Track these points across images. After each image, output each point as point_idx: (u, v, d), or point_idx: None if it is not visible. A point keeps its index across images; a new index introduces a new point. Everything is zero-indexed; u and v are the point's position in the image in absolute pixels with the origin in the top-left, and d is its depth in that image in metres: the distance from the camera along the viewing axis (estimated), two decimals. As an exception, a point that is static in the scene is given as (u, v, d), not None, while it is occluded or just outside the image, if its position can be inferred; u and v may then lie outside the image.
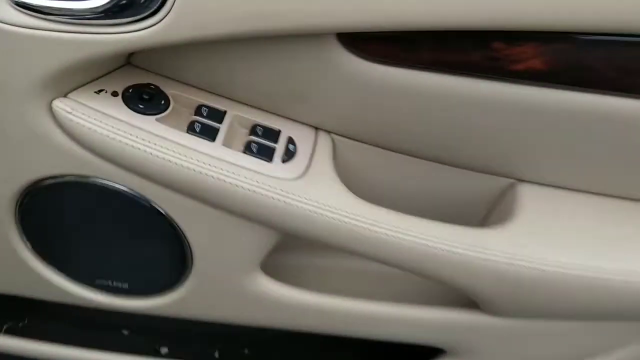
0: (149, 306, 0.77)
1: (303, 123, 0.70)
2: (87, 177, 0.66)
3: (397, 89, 0.62)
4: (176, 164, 0.61)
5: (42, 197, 0.69)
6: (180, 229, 0.68)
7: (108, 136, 0.60)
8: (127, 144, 0.60)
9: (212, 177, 0.61)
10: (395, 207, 0.67)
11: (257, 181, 0.62)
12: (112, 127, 0.60)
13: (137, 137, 0.60)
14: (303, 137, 0.69)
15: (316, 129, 0.71)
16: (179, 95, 0.67)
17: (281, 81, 0.65)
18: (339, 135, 0.71)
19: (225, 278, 0.73)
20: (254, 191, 0.62)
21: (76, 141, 0.62)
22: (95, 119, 0.60)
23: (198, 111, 0.66)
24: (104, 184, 0.66)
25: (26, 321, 0.92)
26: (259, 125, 0.68)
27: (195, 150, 0.62)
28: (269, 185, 0.62)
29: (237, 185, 0.61)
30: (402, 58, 0.59)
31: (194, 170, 0.61)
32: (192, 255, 0.71)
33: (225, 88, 0.68)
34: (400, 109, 0.64)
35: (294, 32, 0.55)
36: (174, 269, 0.73)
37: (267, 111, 0.70)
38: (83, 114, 0.60)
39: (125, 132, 0.60)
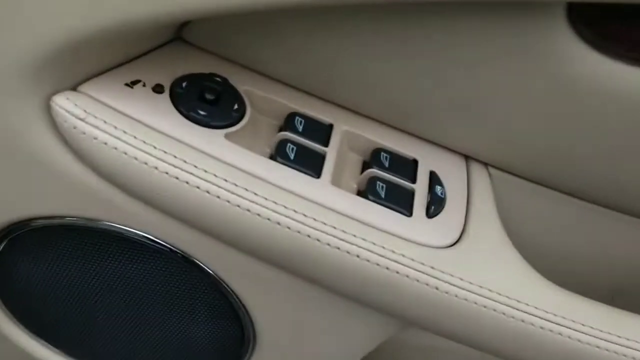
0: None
1: (445, 148, 0.44)
2: (98, 221, 0.40)
3: None
4: (261, 216, 0.35)
5: (27, 244, 0.43)
6: (244, 308, 0.43)
7: (143, 162, 0.34)
8: (175, 177, 0.35)
9: (321, 242, 0.36)
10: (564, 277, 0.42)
11: (392, 250, 0.36)
12: (152, 146, 0.35)
13: (195, 166, 0.35)
14: (451, 172, 0.43)
15: (466, 157, 0.45)
16: (256, 94, 0.41)
17: (438, 81, 0.39)
18: (502, 169, 0.45)
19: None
20: (387, 267, 0.36)
21: (87, 164, 0.36)
22: (123, 130, 0.35)
23: (289, 123, 0.40)
24: (127, 234, 0.40)
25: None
26: (385, 151, 0.42)
27: (291, 192, 0.36)
28: (411, 258, 0.36)
29: (358, 256, 0.36)
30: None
31: (290, 229, 0.35)
32: (253, 346, 0.46)
33: (326, 86, 0.42)
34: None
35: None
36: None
37: (389, 126, 0.44)
38: (103, 121, 0.34)
39: (174, 156, 0.35)
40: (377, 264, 0.36)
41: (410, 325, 0.40)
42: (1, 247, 0.44)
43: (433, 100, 0.40)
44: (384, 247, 0.36)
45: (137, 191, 0.36)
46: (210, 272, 0.41)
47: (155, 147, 0.35)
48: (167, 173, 0.35)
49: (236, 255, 0.40)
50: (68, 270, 0.45)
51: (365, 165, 0.42)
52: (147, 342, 0.48)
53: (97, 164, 0.35)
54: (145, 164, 0.34)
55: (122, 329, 0.47)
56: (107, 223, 0.40)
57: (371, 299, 0.38)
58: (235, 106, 0.39)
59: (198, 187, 0.35)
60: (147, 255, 0.42)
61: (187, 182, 0.35)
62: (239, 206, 0.35)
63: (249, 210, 0.35)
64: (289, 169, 0.37)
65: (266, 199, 0.35)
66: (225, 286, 0.42)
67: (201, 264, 0.41)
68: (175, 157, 0.35)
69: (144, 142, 0.35)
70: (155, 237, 0.40)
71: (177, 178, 0.35)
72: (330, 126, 0.42)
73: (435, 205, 0.39)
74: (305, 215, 0.36)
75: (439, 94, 0.40)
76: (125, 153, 0.34)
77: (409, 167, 0.42)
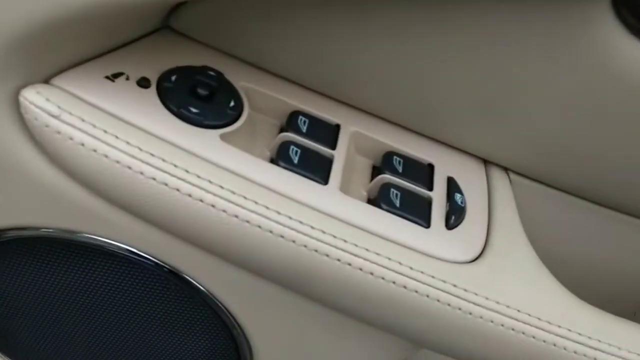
0: None
1: (462, 152, 0.40)
2: (76, 232, 0.35)
3: None
4: (262, 228, 0.31)
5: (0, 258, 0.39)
6: (238, 327, 0.39)
7: (126, 166, 0.30)
8: (163, 183, 0.30)
9: (330, 257, 0.31)
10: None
11: (409, 266, 0.32)
12: (137, 148, 0.30)
13: (187, 171, 0.30)
14: (470, 178, 0.39)
15: (485, 162, 0.41)
16: (255, 90, 0.37)
17: (460, 77, 0.35)
18: (524, 175, 0.41)
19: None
20: (405, 285, 0.32)
21: (62, 169, 0.32)
22: (103, 129, 0.30)
23: (292, 122, 0.36)
24: (108, 247, 0.36)
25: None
26: (397, 155, 0.38)
27: (296, 201, 0.32)
28: (431, 275, 0.32)
29: (372, 273, 0.32)
30: None
31: (295, 243, 0.31)
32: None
33: (333, 83, 0.38)
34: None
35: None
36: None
37: (400, 127, 0.40)
38: (80, 118, 0.30)
39: (162, 159, 0.30)
40: (393, 282, 0.32)
41: (426, 347, 0.36)
42: None
43: (452, 98, 0.36)
44: (400, 263, 0.32)
45: (119, 199, 0.31)
46: (201, 288, 0.37)
47: (140, 149, 0.30)
48: (154, 179, 0.30)
49: (231, 270, 0.35)
50: (43, 287, 0.40)
51: (376, 171, 0.38)
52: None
53: (73, 169, 0.31)
54: (129, 168, 0.30)
55: (104, 350, 0.43)
56: (86, 235, 0.36)
57: (385, 320, 0.34)
58: (232, 103, 0.34)
59: (190, 195, 0.30)
60: (131, 270, 0.38)
61: (177, 190, 0.30)
62: (236, 216, 0.30)
63: (248, 222, 0.31)
64: (293, 174, 0.33)
65: (268, 208, 0.31)
66: (218, 303, 0.37)
67: (191, 280, 0.37)
68: (163, 160, 0.30)
69: (128, 143, 0.30)
70: (140, 250, 0.36)
71: (165, 184, 0.30)
72: (337, 127, 0.37)
73: (455, 215, 0.35)
74: (312, 227, 0.31)
75: (460, 92, 0.36)
76: (106, 156, 0.30)
77: (424, 173, 0.37)
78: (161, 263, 0.36)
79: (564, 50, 0.32)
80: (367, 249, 0.32)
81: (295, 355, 0.39)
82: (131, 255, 0.36)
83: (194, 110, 0.33)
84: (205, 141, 0.32)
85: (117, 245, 0.36)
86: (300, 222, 0.31)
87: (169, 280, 0.37)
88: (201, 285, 0.37)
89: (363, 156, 0.38)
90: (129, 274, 0.38)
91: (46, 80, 0.31)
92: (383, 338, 0.37)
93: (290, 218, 0.31)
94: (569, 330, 0.33)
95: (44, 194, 0.33)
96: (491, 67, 0.34)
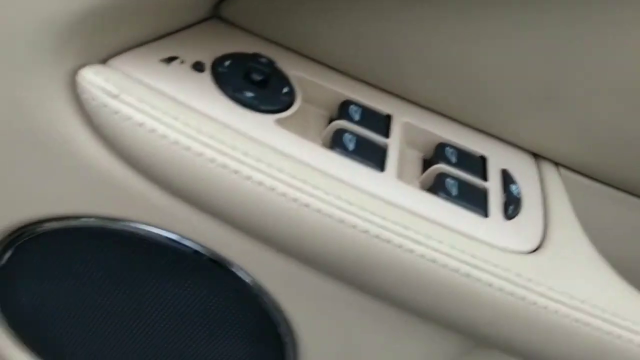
0: None
1: (513, 145, 0.40)
2: (119, 220, 0.34)
3: None
4: (322, 212, 0.30)
5: (34, 252, 0.37)
6: (285, 323, 0.37)
7: (185, 147, 0.29)
8: (222, 166, 0.29)
9: (392, 244, 0.30)
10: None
11: (472, 255, 0.31)
12: (196, 130, 0.29)
13: (246, 154, 0.30)
14: (523, 171, 0.38)
15: (535, 156, 0.40)
16: (305, 79, 0.36)
17: (517, 66, 0.34)
18: (576, 171, 0.40)
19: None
20: (468, 274, 0.31)
21: (116, 150, 0.31)
22: (162, 110, 0.29)
23: (344, 111, 0.35)
24: (151, 235, 0.35)
25: None
26: (450, 146, 0.37)
27: (355, 187, 0.31)
28: (495, 264, 0.31)
29: (434, 261, 0.31)
30: None
31: (356, 229, 0.30)
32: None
33: (383, 74, 0.37)
34: None
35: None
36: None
37: (451, 119, 0.39)
38: (138, 99, 0.29)
39: (222, 142, 0.29)
40: (456, 271, 0.31)
41: (484, 342, 0.35)
42: (5, 256, 0.38)
43: (509, 88, 0.35)
44: (463, 251, 0.31)
45: (174, 182, 0.31)
46: (248, 280, 0.36)
47: (199, 131, 0.29)
48: (213, 161, 0.29)
49: (281, 260, 0.34)
50: (79, 281, 0.39)
51: (426, 164, 0.37)
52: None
53: (129, 150, 0.30)
54: (188, 150, 0.29)
55: (141, 349, 0.41)
56: (129, 223, 0.35)
57: (445, 312, 0.32)
58: (285, 90, 0.34)
59: (249, 178, 0.29)
60: (172, 259, 0.36)
61: (236, 172, 0.29)
62: (296, 200, 0.30)
63: (307, 206, 0.30)
64: (350, 161, 0.32)
65: (327, 193, 0.30)
66: (266, 296, 0.36)
67: (238, 271, 0.36)
68: (222, 142, 0.29)
69: (187, 124, 0.29)
70: (186, 238, 0.34)
71: (224, 167, 0.29)
72: (389, 117, 0.37)
73: (513, 206, 0.34)
74: (372, 213, 0.30)
75: (517, 81, 0.35)
76: (165, 137, 0.29)
77: (478, 164, 0.37)
78: (205, 251, 0.35)
79: (630, 31, 0.31)
80: (429, 236, 0.31)
81: (344, 357, 0.38)
82: (174, 243, 0.35)
83: (249, 94, 0.32)
84: (262, 125, 0.31)
85: (160, 234, 0.35)
86: (361, 208, 0.30)
87: (213, 270, 0.36)
88: (249, 276, 0.36)
89: (413, 149, 0.38)
90: (170, 264, 0.37)
91: (103, 62, 0.30)
92: (439, 335, 0.36)
93: (350, 203, 0.30)
94: (634, 323, 0.32)
95: (93, 178, 0.32)
96: (552, 52, 0.33)
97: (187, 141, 0.29)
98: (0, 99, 0.30)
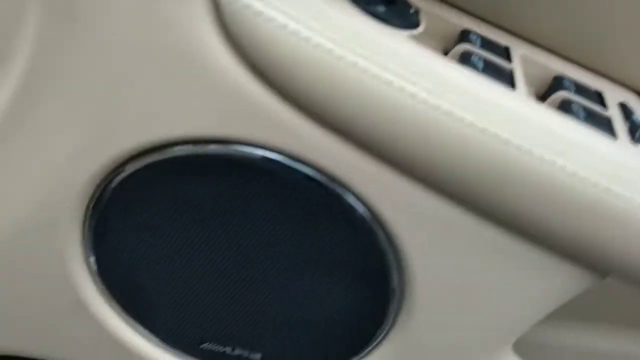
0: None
1: (626, 87, 0.39)
2: (244, 144, 0.33)
3: None
4: (464, 121, 0.29)
5: (139, 188, 0.36)
6: (399, 256, 0.36)
7: (326, 49, 0.28)
8: (364, 70, 0.29)
9: (533, 156, 0.30)
10: None
11: (613, 174, 0.30)
12: (337, 34, 0.29)
13: (386, 59, 0.29)
14: (638, 107, 0.38)
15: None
16: (425, 10, 0.36)
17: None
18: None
19: (454, 349, 0.40)
20: (608, 188, 0.30)
21: (252, 57, 0.30)
22: (303, 12, 0.29)
23: (465, 38, 0.35)
24: (266, 155, 0.33)
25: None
26: (566, 79, 0.36)
27: (494, 102, 0.31)
28: (632, 182, 0.30)
29: (575, 175, 0.30)
30: None
31: (509, 145, 0.29)
32: (399, 308, 0.38)
33: (500, 9, 0.37)
34: None
35: None
36: (363, 331, 0.40)
37: (566, 58, 0.39)
38: (279, 1, 0.29)
39: (361, 45, 0.29)
40: (594, 186, 0.30)
41: (616, 271, 0.34)
42: (114, 183, 0.36)
43: (621, 27, 0.35)
44: (604, 171, 0.30)
45: (310, 90, 0.30)
46: (362, 211, 0.34)
47: (339, 35, 0.29)
48: (354, 66, 0.29)
49: (404, 183, 0.32)
50: (189, 218, 0.36)
51: (541, 99, 0.37)
52: (267, 312, 0.40)
53: (267, 55, 0.29)
54: (330, 52, 0.29)
55: (246, 297, 0.39)
56: (251, 149, 0.33)
57: (579, 234, 0.32)
58: (411, 11, 0.34)
59: (390, 84, 0.29)
60: (288, 188, 0.34)
61: (377, 77, 0.29)
62: (439, 109, 0.29)
63: (448, 115, 0.29)
64: (484, 78, 0.32)
65: (467, 105, 0.29)
66: (380, 234, 0.35)
67: (353, 201, 0.34)
68: (363, 47, 0.29)
69: (328, 28, 0.29)
70: (307, 159, 0.33)
71: (366, 72, 0.29)
72: (507, 48, 0.36)
73: (639, 132, 0.34)
74: (517, 129, 0.30)
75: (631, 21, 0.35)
76: (307, 39, 0.29)
77: (596, 96, 0.36)
78: (322, 178, 0.33)
79: None
80: (566, 153, 0.30)
81: (457, 294, 0.37)
82: (288, 169, 0.33)
83: (381, 8, 0.32)
84: (394, 39, 0.31)
85: (298, 165, 0.33)
86: (506, 120, 0.30)
87: (325, 198, 0.35)
88: (364, 206, 0.34)
89: (536, 79, 0.37)
90: (283, 195, 0.35)
91: None
92: (563, 267, 0.35)
93: (491, 120, 0.30)
94: None
95: (226, 95, 0.31)
96: None
97: (329, 44, 0.29)
98: (132, 8, 0.30)
